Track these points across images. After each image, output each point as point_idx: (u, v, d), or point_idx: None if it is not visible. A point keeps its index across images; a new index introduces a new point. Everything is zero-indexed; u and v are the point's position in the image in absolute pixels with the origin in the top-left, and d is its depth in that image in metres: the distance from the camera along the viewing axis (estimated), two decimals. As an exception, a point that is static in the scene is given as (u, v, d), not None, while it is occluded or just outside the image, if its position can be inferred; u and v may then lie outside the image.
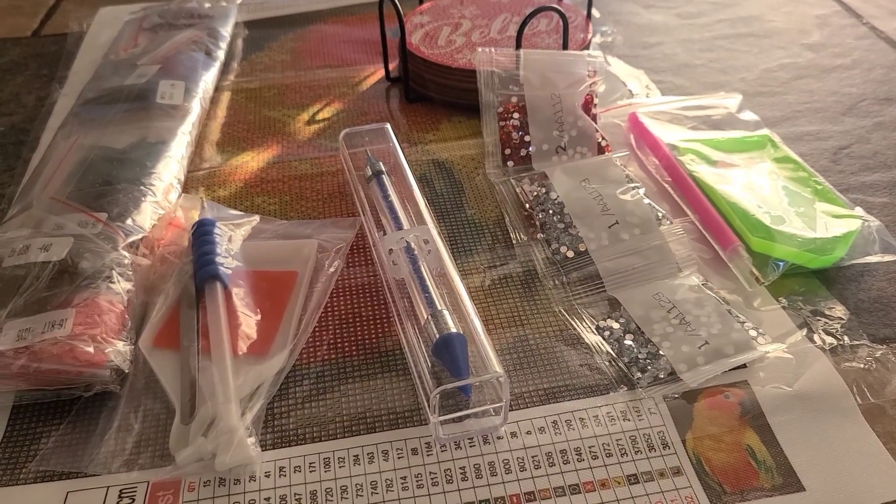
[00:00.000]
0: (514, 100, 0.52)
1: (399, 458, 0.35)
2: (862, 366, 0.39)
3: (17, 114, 0.62)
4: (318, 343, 0.41)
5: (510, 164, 0.52)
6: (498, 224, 0.49)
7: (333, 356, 0.41)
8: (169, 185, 0.49)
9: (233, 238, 0.45)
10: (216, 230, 0.44)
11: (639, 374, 0.38)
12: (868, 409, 0.37)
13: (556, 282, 0.44)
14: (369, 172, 0.49)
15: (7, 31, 0.76)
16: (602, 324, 0.41)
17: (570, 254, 0.45)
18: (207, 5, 0.71)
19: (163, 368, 0.39)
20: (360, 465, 0.35)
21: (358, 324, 0.42)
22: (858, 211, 0.46)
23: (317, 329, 0.42)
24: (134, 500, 0.34)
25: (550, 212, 0.47)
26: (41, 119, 0.61)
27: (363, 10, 0.76)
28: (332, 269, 0.44)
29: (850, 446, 0.35)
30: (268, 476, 0.35)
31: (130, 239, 0.43)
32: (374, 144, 0.52)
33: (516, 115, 0.52)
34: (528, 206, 0.48)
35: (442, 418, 0.36)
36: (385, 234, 0.45)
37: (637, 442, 0.36)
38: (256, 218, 0.48)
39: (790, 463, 0.35)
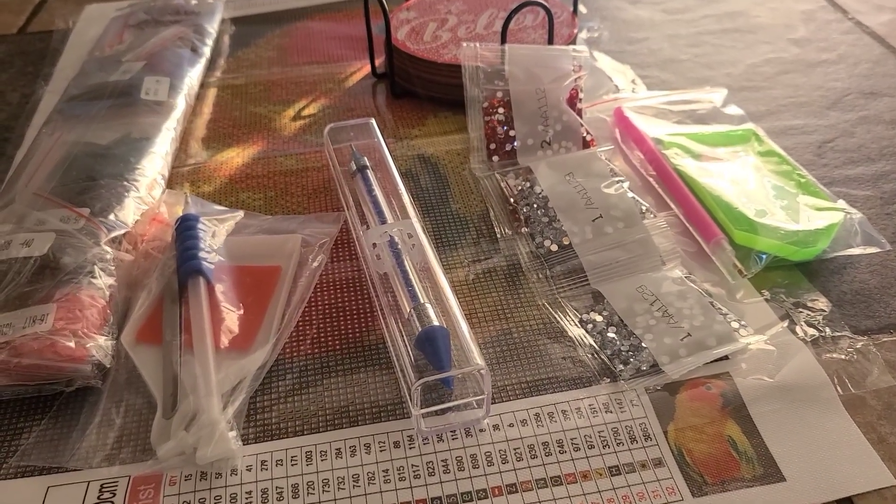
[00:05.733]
0: (499, 95, 0.52)
1: (381, 451, 0.35)
2: (843, 357, 0.39)
3: (2, 111, 0.62)
4: (301, 337, 0.41)
5: (495, 158, 0.52)
6: (483, 218, 0.49)
7: (317, 350, 0.41)
8: (153, 180, 0.49)
9: (216, 233, 0.45)
10: (200, 225, 0.44)
11: (621, 367, 0.38)
12: (849, 400, 0.37)
13: (540, 275, 0.44)
14: (354, 167, 0.49)
15: (-7, 29, 0.75)
16: (585, 317, 0.41)
17: (554, 248, 0.45)
18: (194, 2, 0.70)
19: (145, 363, 0.39)
20: (342, 458, 0.35)
21: (341, 318, 0.42)
22: (841, 203, 0.46)
23: (300, 323, 0.42)
24: (115, 494, 0.34)
25: (535, 206, 0.47)
26: (26, 116, 0.61)
27: (350, 6, 0.76)
28: (315, 264, 0.44)
29: (831, 437, 0.35)
30: (249, 469, 0.35)
31: (113, 234, 0.43)
32: (360, 139, 0.52)
33: (501, 110, 0.52)
34: (512, 200, 0.48)
35: (424, 411, 0.36)
36: (369, 228, 0.45)
37: (619, 434, 0.36)
38: (240, 213, 0.48)
39: (771, 453, 0.35)
